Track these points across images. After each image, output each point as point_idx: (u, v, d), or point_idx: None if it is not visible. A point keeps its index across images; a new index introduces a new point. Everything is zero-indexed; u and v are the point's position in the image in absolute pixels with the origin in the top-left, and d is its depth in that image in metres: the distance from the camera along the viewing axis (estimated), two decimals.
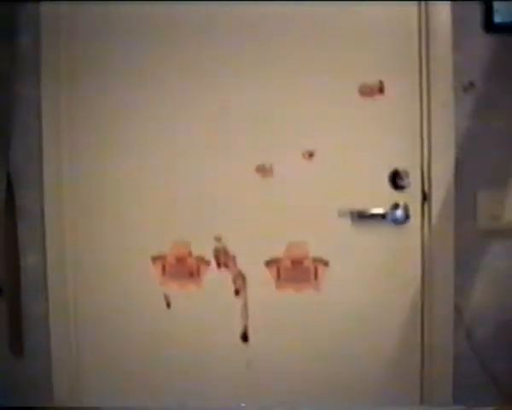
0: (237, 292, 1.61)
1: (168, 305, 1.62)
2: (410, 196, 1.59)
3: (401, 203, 1.58)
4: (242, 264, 1.60)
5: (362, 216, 1.58)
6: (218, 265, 1.60)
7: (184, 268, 1.61)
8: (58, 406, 1.63)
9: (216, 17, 1.59)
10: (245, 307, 1.61)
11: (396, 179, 1.59)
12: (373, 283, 1.60)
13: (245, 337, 1.61)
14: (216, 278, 1.60)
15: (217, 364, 1.61)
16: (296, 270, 1.60)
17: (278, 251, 1.60)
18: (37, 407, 1.63)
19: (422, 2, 1.58)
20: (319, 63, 1.59)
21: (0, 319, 1.63)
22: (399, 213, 1.58)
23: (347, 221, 1.59)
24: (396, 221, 1.58)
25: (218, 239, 1.60)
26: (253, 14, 1.59)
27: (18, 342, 1.63)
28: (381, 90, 1.59)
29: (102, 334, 1.64)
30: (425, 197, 1.59)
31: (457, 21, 1.58)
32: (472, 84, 1.59)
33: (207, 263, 1.61)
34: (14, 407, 1.60)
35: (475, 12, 1.60)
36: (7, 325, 1.63)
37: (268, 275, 1.60)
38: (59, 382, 1.63)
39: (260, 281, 1.60)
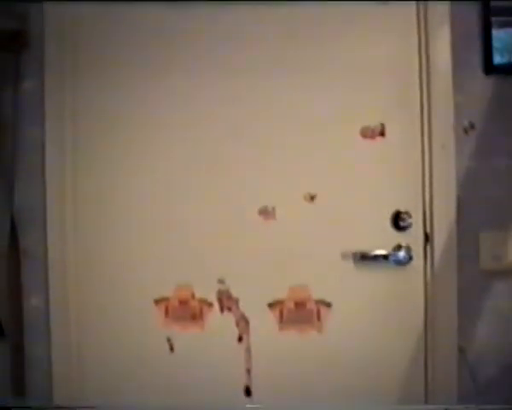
0: (240, 335, 1.60)
1: (171, 348, 1.62)
2: (413, 237, 1.59)
3: (403, 244, 1.59)
4: (245, 306, 1.60)
5: (364, 258, 1.58)
6: (221, 307, 1.60)
7: (187, 311, 1.61)
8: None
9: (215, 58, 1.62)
10: (248, 349, 1.60)
11: (398, 220, 1.59)
12: (375, 324, 1.60)
13: (247, 390, 1.61)
14: (219, 321, 1.60)
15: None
16: (299, 312, 1.60)
17: (281, 293, 1.60)
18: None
19: (423, 45, 1.60)
20: (321, 106, 1.60)
21: (2, 361, 1.63)
22: (402, 254, 1.58)
23: (350, 263, 1.59)
24: (398, 262, 1.58)
25: (222, 282, 1.60)
26: (252, 54, 1.61)
27: (20, 384, 1.63)
28: (382, 131, 1.60)
29: (105, 375, 1.63)
30: (427, 238, 1.59)
31: (457, 63, 1.60)
32: (472, 125, 1.60)
33: (210, 305, 1.61)
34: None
35: (475, 53, 1.62)
36: (9, 366, 1.63)
37: (271, 317, 1.60)
38: None
39: (263, 323, 1.60)
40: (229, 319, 1.61)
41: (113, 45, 1.64)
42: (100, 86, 1.63)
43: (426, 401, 1.58)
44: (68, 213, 1.62)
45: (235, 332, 1.60)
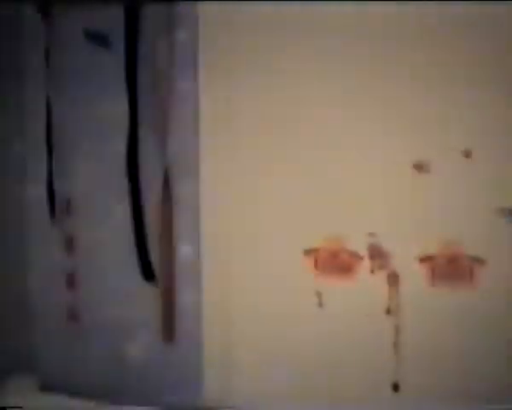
0: (390, 288, 1.60)
1: (320, 304, 1.64)
2: None
3: None
4: (396, 260, 1.59)
5: None
6: (372, 261, 1.61)
7: (337, 263, 1.62)
8: None
9: None
10: (397, 305, 1.60)
11: None
12: None
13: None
14: (369, 274, 1.61)
15: (364, 367, 1.62)
16: (451, 268, 1.58)
17: (432, 248, 1.59)
18: None
19: None
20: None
21: (154, 307, 1.69)
22: None
23: (505, 220, 1.56)
24: None
25: (372, 235, 1.60)
26: None
27: (170, 330, 1.69)
28: None
29: (254, 325, 1.67)
30: None
31: None
32: None
33: (361, 259, 1.61)
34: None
35: None
36: (160, 312, 1.68)
37: (421, 272, 1.59)
38: (210, 370, 1.67)
39: (413, 278, 1.59)
40: (380, 271, 1.61)
41: None
42: (257, 36, 1.64)
43: None
44: (221, 165, 1.66)
45: (385, 288, 1.60)
